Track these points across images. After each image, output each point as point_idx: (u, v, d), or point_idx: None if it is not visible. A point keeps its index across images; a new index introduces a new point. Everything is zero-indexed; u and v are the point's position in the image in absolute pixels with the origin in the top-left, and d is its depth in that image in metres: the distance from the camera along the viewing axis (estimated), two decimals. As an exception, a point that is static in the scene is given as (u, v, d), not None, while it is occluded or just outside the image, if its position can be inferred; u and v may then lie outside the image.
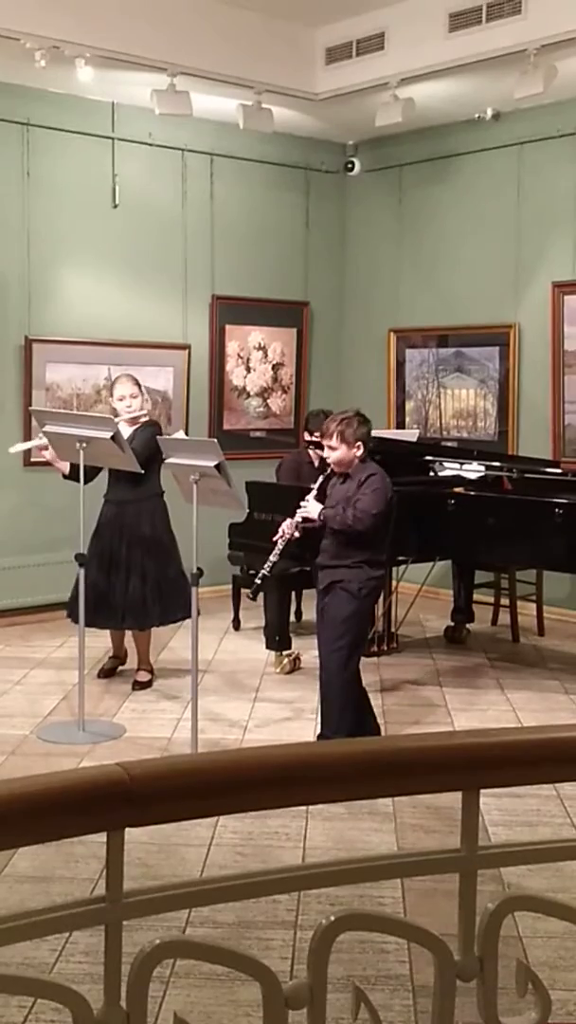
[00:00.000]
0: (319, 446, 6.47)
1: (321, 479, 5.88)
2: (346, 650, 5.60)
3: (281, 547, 5.93)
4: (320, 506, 5.68)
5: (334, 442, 5.60)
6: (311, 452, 7.84)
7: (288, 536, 5.87)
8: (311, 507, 5.71)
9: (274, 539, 5.95)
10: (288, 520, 5.86)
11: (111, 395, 7.04)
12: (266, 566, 6.01)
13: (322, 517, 5.63)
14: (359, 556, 5.57)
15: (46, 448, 6.53)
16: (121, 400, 6.86)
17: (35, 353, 8.61)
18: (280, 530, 5.90)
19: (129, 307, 9.13)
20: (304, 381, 10.24)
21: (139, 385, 7.00)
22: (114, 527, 6.84)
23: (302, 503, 5.79)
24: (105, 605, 6.69)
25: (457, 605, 8.45)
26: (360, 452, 5.62)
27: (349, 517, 5.50)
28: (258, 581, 6.14)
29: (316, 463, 7.69)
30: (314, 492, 5.80)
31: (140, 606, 6.80)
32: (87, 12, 7.45)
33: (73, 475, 6.45)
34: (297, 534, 5.87)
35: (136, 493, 6.84)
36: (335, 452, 5.62)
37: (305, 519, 5.76)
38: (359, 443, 5.60)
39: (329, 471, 5.84)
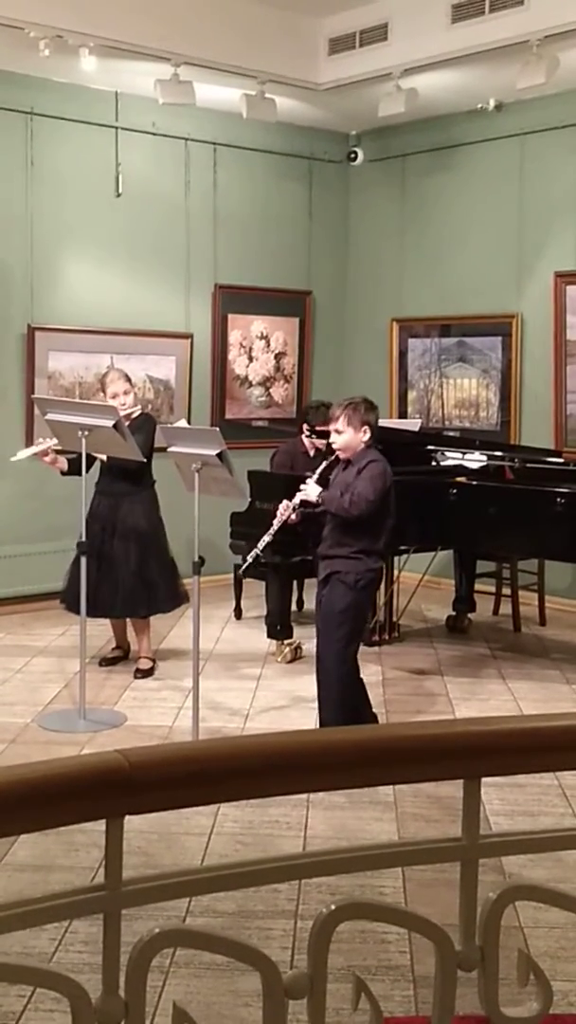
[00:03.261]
0: (321, 435, 6.47)
1: (325, 464, 5.83)
2: (343, 641, 5.58)
3: (277, 527, 5.88)
4: (320, 489, 5.63)
5: (340, 425, 5.58)
6: (306, 441, 7.84)
7: (285, 517, 5.82)
8: (310, 489, 5.67)
9: (271, 520, 5.92)
10: (286, 501, 5.82)
11: (104, 393, 7.02)
12: (259, 545, 5.97)
13: (321, 500, 5.60)
14: (357, 545, 5.53)
15: (47, 454, 6.61)
16: (115, 398, 6.82)
17: (38, 341, 8.60)
18: (278, 510, 5.86)
19: (132, 296, 9.12)
20: (306, 370, 10.23)
21: (130, 380, 7.00)
22: (108, 518, 6.84)
23: (302, 486, 5.75)
24: (97, 594, 6.68)
25: (459, 595, 8.44)
26: (366, 437, 5.59)
27: (346, 501, 5.46)
28: (249, 559, 6.13)
29: (312, 453, 7.69)
30: (316, 476, 5.76)
31: (134, 595, 6.83)
32: (91, 1, 7.43)
33: (72, 470, 6.58)
34: (295, 517, 5.81)
35: (133, 486, 6.86)
36: (341, 436, 5.59)
37: (304, 501, 5.72)
38: (365, 427, 5.58)
39: (333, 457, 5.80)
